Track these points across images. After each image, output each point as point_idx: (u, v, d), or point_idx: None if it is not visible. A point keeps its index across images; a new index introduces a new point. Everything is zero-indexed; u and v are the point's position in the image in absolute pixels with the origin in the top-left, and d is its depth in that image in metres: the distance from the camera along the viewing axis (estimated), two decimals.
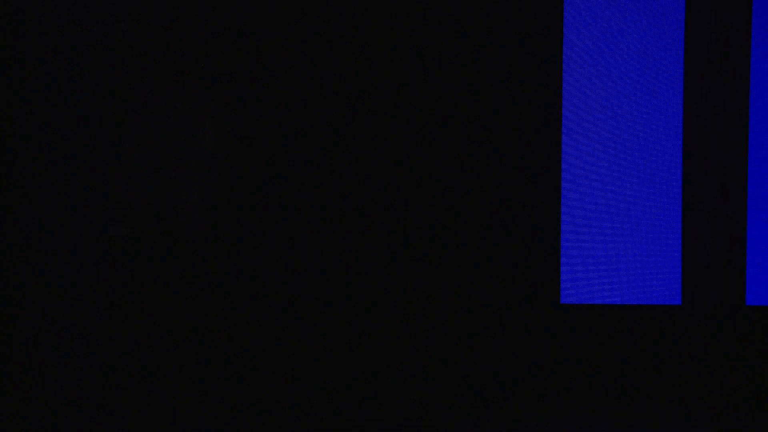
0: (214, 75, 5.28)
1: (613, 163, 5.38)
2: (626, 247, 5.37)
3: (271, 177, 5.33)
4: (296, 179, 5.33)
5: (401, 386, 5.36)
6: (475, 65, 5.34)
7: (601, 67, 5.36)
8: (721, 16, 5.35)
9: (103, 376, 5.21)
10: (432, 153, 5.36)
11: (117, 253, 5.21)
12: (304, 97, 5.32)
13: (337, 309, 5.35)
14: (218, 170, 5.21)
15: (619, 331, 5.39)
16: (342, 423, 5.34)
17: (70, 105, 5.18)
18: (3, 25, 5.14)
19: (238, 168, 5.27)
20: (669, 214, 5.39)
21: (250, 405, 5.33)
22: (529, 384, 5.39)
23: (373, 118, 5.33)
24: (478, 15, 5.33)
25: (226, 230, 5.28)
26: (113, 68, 5.25)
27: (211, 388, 5.29)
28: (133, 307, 5.25)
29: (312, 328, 5.35)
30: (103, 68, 5.23)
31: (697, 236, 5.38)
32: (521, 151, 5.34)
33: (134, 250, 5.20)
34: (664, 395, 5.40)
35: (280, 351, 5.33)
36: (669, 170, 5.39)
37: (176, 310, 5.27)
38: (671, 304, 5.39)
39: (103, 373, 5.21)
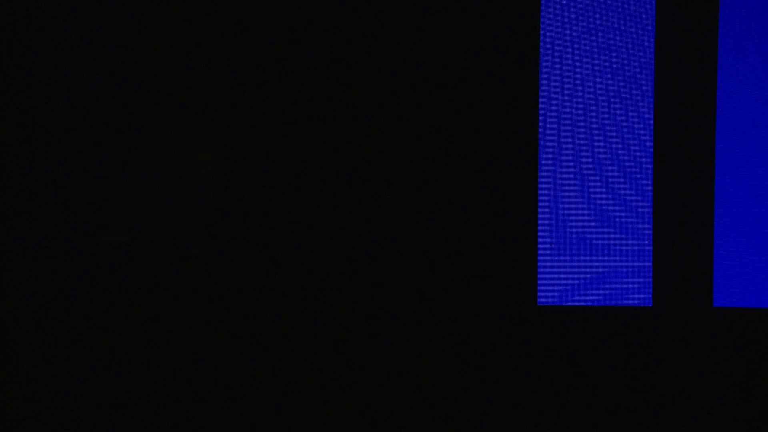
0: (205, 83, 5.32)
1: (588, 171, 5.49)
2: (601, 251, 5.46)
3: (264, 181, 5.34)
4: (289, 184, 5.35)
5: (394, 386, 5.40)
6: (465, 70, 5.40)
7: (577, 71, 5.45)
8: (689, 18, 5.41)
9: (103, 377, 5.23)
10: (424, 160, 5.41)
11: (115, 255, 5.21)
12: (294, 104, 5.36)
13: (332, 313, 5.39)
14: (217, 194, 5.19)
15: (595, 331, 5.45)
16: (341, 423, 5.39)
17: (72, 109, 5.20)
18: (8, 28, 5.16)
19: (233, 172, 5.27)
20: (641, 217, 5.47)
21: (250, 405, 5.36)
22: (512, 384, 5.48)
23: (365, 120, 5.36)
24: (470, 23, 5.41)
25: (224, 236, 5.29)
26: (114, 76, 5.28)
27: (210, 388, 5.32)
28: (132, 307, 5.26)
29: (310, 330, 5.39)
30: (104, 74, 5.25)
31: (667, 240, 5.42)
32: (502, 155, 5.45)
33: (132, 252, 5.19)
34: (637, 394, 5.46)
35: (279, 351, 5.36)
36: (640, 177, 5.45)
37: (176, 311, 5.27)
38: (643, 305, 5.45)
39: (103, 373, 5.23)
